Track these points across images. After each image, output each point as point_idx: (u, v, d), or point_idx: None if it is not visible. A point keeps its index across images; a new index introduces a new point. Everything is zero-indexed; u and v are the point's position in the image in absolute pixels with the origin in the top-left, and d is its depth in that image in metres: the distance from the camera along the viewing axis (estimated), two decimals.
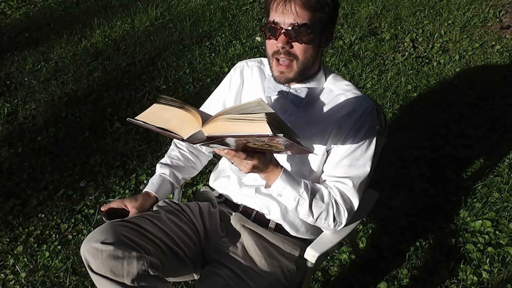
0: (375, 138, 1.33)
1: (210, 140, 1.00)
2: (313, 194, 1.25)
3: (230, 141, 1.02)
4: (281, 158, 1.35)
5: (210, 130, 0.99)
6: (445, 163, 2.38)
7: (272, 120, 0.93)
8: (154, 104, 1.09)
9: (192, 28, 3.70)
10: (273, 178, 1.22)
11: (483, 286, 1.84)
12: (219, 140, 1.00)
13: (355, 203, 1.30)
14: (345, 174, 1.29)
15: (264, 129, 0.90)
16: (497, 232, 2.03)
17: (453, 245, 1.99)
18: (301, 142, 1.05)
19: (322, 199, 1.26)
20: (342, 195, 1.28)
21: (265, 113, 0.92)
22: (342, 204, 1.28)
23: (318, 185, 1.30)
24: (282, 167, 1.23)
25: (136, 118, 1.07)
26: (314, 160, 1.33)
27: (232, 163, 1.17)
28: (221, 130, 0.97)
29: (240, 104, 1.01)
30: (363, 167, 1.31)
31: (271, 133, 0.90)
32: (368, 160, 1.31)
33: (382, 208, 2.14)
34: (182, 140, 1.04)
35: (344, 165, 1.30)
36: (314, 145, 1.31)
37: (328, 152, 1.32)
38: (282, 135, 0.91)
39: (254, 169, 1.16)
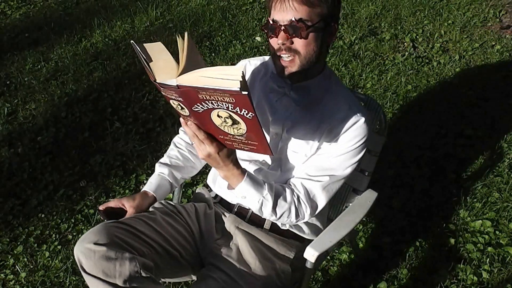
0: (363, 152, 1.31)
1: (178, 89, 1.00)
2: (277, 195, 1.26)
3: (194, 101, 1.01)
4: (268, 157, 1.36)
5: (182, 80, 0.98)
6: (445, 163, 2.38)
7: (245, 86, 0.94)
8: (159, 43, 1.08)
9: (192, 28, 3.70)
10: (235, 181, 1.22)
11: (483, 286, 1.84)
12: (185, 95, 1.00)
13: (321, 202, 1.30)
14: (319, 174, 1.29)
15: (233, 85, 0.92)
16: (497, 232, 2.03)
17: (453, 245, 1.99)
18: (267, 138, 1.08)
19: (285, 199, 1.27)
20: (309, 192, 1.29)
21: (242, 76, 0.92)
22: (306, 201, 1.28)
23: (280, 185, 1.30)
24: (245, 171, 1.23)
25: (143, 44, 1.06)
26: (304, 160, 1.33)
27: (192, 145, 1.15)
28: (192, 82, 0.97)
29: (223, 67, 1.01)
30: (341, 171, 1.30)
31: (239, 88, 0.91)
32: (346, 167, 1.31)
33: (382, 208, 2.14)
34: (154, 81, 1.03)
35: (321, 167, 1.30)
36: (308, 144, 1.31)
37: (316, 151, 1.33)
38: (247, 92, 0.92)
39: (209, 157, 1.15)
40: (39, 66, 3.43)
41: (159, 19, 3.90)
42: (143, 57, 1.03)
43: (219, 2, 4.05)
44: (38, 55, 3.55)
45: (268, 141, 1.09)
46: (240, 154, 1.30)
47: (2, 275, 2.02)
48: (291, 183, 1.32)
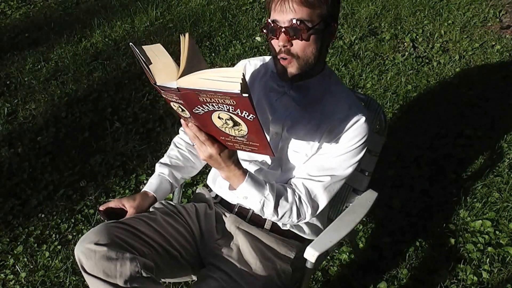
0: (363, 151, 1.31)
1: (179, 91, 0.99)
2: (278, 195, 1.26)
3: (194, 104, 1.01)
4: (268, 157, 1.35)
5: (182, 82, 0.98)
6: (445, 163, 2.38)
7: (245, 88, 0.93)
8: (158, 44, 1.07)
9: (192, 28, 3.70)
10: (236, 181, 1.22)
11: (483, 286, 1.84)
12: (185, 98, 0.99)
13: (322, 202, 1.31)
14: (320, 174, 1.30)
15: (234, 87, 0.91)
16: (497, 232, 2.03)
17: (453, 245, 1.99)
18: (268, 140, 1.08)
19: (287, 199, 1.27)
20: (310, 192, 1.29)
21: (242, 78, 0.92)
22: (307, 201, 1.28)
23: (282, 185, 1.30)
24: (246, 171, 1.23)
25: (142, 47, 1.06)
26: (305, 160, 1.33)
27: (193, 145, 1.15)
28: (192, 85, 0.96)
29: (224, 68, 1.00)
30: (342, 170, 1.30)
31: (239, 90, 0.90)
32: (347, 167, 1.31)
33: (382, 208, 2.14)
34: (154, 84, 1.03)
35: (322, 167, 1.30)
36: (308, 144, 1.31)
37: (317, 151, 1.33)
38: (247, 95, 0.92)
39: (210, 159, 1.15)
40: (39, 66, 3.43)
41: (159, 19, 3.90)
42: (142, 59, 1.03)
43: (219, 2, 4.05)
44: (38, 55, 3.55)
45: (268, 140, 1.09)
46: (240, 154, 1.30)
47: (2, 275, 2.02)
48: (292, 183, 1.32)
